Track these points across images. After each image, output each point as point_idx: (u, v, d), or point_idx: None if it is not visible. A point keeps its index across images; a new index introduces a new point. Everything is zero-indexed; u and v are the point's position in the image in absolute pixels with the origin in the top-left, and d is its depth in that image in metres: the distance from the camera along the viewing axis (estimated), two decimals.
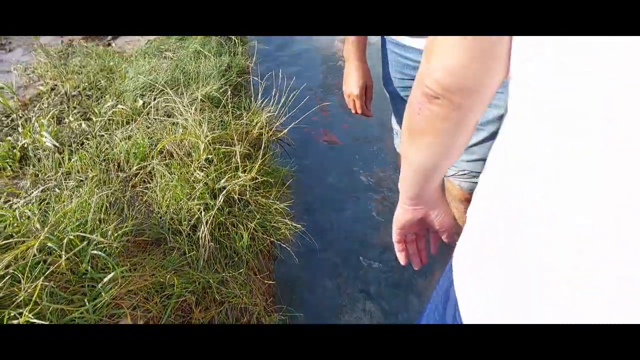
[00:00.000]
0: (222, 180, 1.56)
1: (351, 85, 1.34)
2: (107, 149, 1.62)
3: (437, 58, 0.52)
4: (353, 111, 1.39)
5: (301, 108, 2.06)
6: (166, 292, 1.18)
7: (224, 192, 1.49)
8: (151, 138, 1.66)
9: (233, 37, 2.58)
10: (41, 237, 1.07)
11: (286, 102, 2.01)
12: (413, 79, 1.36)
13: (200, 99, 1.86)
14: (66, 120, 1.75)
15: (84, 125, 1.70)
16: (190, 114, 1.67)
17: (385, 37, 1.39)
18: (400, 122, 1.48)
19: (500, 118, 0.60)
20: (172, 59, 2.19)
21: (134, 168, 1.56)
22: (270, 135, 1.92)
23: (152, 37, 2.45)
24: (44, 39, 2.50)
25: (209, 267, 1.33)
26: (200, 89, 1.93)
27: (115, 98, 1.87)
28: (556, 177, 0.41)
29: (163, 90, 1.88)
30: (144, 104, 1.82)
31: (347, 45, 1.35)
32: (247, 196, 1.58)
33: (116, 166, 1.57)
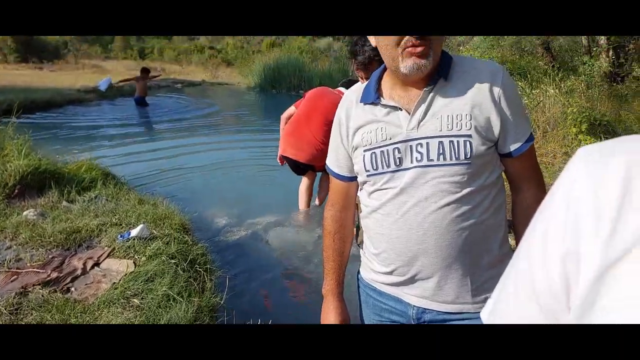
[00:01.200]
0: None
1: (330, 322, 1.38)
2: None
3: None
4: None
5: None
6: None
7: None
8: None
9: (201, 270, 2.56)
10: None
11: None
12: (391, 322, 1.38)
13: None
14: None
15: None
16: None
17: (360, 280, 1.44)
18: None
19: None
20: (140, 308, 2.09)
21: None
22: None
23: (117, 279, 2.36)
24: None
25: None
26: None
27: None
28: None
29: None
30: None
31: (326, 283, 1.41)
32: None
33: None
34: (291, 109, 3.83)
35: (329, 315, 1.42)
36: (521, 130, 1.14)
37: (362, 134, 1.20)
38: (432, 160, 1.10)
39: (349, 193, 1.36)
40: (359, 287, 1.45)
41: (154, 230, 2.92)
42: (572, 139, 4.61)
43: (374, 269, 1.31)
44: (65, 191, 3.93)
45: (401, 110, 1.14)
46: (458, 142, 1.09)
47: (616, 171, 0.35)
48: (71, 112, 10.67)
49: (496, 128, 1.11)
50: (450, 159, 1.09)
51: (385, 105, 1.17)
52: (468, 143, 1.09)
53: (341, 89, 3.83)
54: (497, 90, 1.11)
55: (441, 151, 1.10)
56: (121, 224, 3.02)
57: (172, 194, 4.75)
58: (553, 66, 8.35)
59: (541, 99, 5.25)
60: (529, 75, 6.86)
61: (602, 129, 4.61)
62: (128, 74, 19.73)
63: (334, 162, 1.35)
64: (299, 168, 3.74)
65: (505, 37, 7.81)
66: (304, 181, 4.03)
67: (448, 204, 1.11)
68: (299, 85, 16.86)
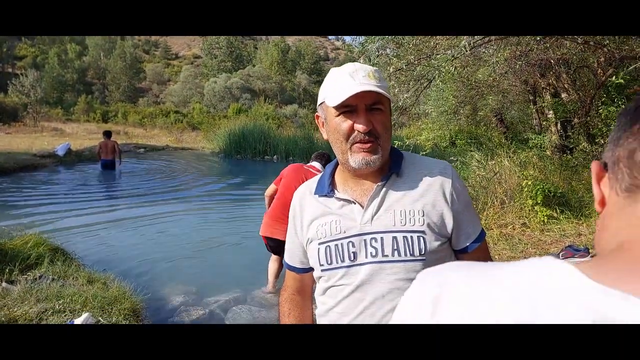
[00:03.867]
0: None
1: None
2: None
3: None
4: None
5: None
6: None
7: None
8: None
9: None
10: None
11: None
12: None
13: None
14: None
15: None
16: None
17: None
18: None
19: None
20: None
21: None
22: None
23: None
24: None
25: None
26: None
27: None
28: None
29: None
30: None
31: None
32: None
33: None
34: (272, 187, 3.85)
35: None
36: (473, 225, 1.18)
37: (316, 226, 1.20)
38: (386, 255, 1.10)
39: (303, 281, 1.35)
40: None
41: (100, 318, 2.69)
42: (529, 210, 4.75)
43: None
44: (7, 270, 3.63)
45: (355, 203, 1.15)
46: (412, 237, 1.10)
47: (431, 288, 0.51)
48: (22, 180, 10.13)
49: (449, 225, 1.13)
50: (405, 254, 1.09)
51: (339, 198, 1.18)
52: (422, 239, 1.10)
53: (314, 163, 3.87)
54: (448, 188, 1.15)
55: (395, 247, 1.10)
56: (65, 311, 2.77)
57: (127, 268, 4.50)
58: (506, 137, 8.82)
59: (497, 169, 5.44)
60: (484, 146, 7.18)
61: (556, 201, 4.79)
62: (89, 138, 19.46)
63: (287, 253, 1.34)
64: (279, 248, 3.69)
65: (462, 109, 8.23)
66: (275, 257, 3.95)
67: None
68: (264, 151, 16.99)
